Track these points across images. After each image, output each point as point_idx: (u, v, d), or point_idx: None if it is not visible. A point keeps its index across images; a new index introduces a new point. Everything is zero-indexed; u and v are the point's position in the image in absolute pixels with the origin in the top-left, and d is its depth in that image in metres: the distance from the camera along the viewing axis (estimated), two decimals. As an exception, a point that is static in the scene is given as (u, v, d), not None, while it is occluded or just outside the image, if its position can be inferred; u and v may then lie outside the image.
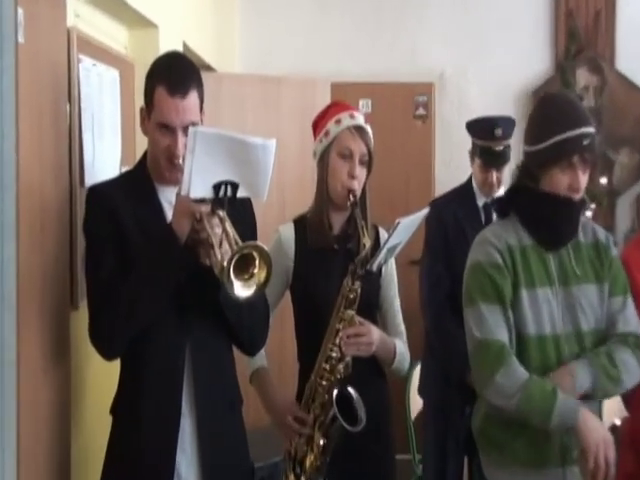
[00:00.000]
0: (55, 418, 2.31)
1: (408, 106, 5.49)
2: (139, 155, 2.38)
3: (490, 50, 5.47)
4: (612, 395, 2.39)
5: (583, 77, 5.41)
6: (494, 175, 3.46)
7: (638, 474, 2.46)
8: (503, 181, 3.49)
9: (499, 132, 3.43)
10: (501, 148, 3.44)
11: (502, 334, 2.29)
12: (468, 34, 5.49)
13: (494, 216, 3.33)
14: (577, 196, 2.32)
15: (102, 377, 2.62)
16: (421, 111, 5.48)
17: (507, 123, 3.48)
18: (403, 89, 5.45)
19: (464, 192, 3.59)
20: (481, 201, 3.53)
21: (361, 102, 5.37)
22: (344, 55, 5.47)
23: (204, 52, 4.46)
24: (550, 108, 2.40)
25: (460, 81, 5.44)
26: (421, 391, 3.70)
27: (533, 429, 2.23)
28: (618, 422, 2.44)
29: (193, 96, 2.18)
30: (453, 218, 3.37)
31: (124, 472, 2.20)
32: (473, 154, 3.55)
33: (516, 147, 3.16)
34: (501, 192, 3.45)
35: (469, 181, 3.59)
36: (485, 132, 3.46)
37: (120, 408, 2.25)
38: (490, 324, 2.29)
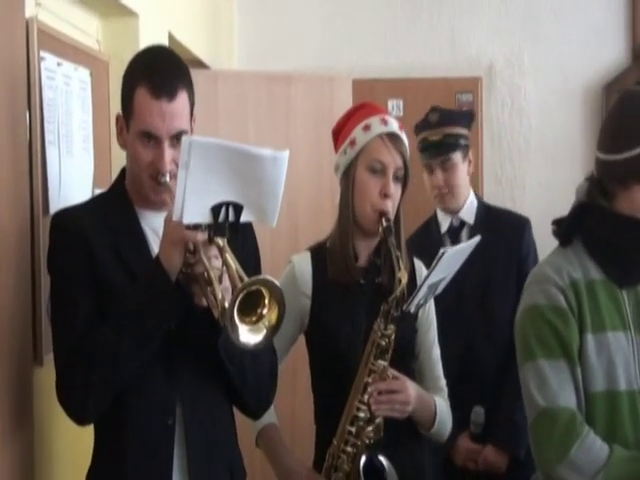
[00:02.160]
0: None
1: (449, 106, 5.48)
2: (116, 173, 2.39)
3: (550, 36, 5.53)
4: None
5: (666, 69, 5.44)
6: (440, 176, 3.46)
7: None
8: (461, 188, 3.50)
9: (434, 117, 3.47)
10: (439, 137, 3.46)
11: (570, 398, 2.28)
12: (522, 17, 5.54)
13: (463, 239, 3.39)
14: None
15: (72, 445, 2.64)
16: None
17: (450, 111, 3.55)
18: (442, 86, 5.49)
19: (429, 226, 3.61)
20: (445, 226, 3.54)
21: (390, 103, 5.40)
22: (368, 46, 5.54)
23: (194, 45, 4.48)
24: (632, 111, 2.38)
25: (514, 75, 5.47)
26: None
27: None
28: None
29: (182, 99, 2.20)
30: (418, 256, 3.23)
31: None
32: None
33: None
34: (471, 201, 3.53)
35: (434, 212, 3.62)
36: (421, 122, 3.52)
37: None
38: (554, 385, 2.28)
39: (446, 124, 3.49)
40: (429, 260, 3.24)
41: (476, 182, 5.39)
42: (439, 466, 3.31)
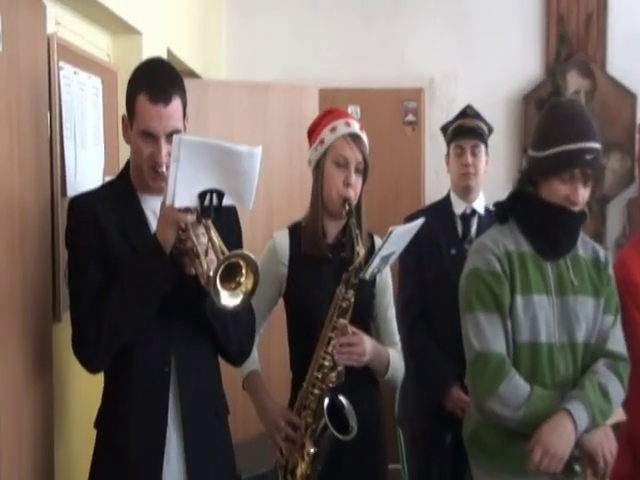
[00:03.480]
0: (38, 433, 2.30)
1: (397, 112, 5.48)
2: (123, 164, 2.37)
3: (480, 55, 5.49)
4: None
5: (574, 81, 5.42)
6: (469, 158, 3.37)
7: (634, 475, 2.51)
8: (481, 174, 3.42)
9: (471, 111, 3.43)
10: (474, 125, 3.41)
11: (501, 345, 2.32)
12: (458, 39, 5.51)
13: (472, 228, 3.37)
14: (575, 208, 2.34)
15: (86, 390, 2.62)
16: (410, 117, 5.48)
17: (476, 111, 3.46)
18: (392, 95, 5.45)
19: (441, 205, 3.52)
20: (459, 210, 3.44)
21: (350, 108, 5.35)
22: (332, 61, 5.48)
23: (189, 59, 4.45)
24: (557, 116, 2.41)
25: (450, 86, 5.44)
26: (400, 422, 3.64)
27: (525, 437, 2.24)
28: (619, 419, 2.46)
29: (176, 103, 2.18)
30: (427, 232, 3.13)
31: None
32: (448, 151, 3.49)
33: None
34: (481, 198, 3.46)
35: (447, 195, 3.53)
36: (457, 115, 3.47)
37: (105, 421, 2.25)
38: (488, 334, 2.32)
39: (479, 118, 3.45)
40: (444, 234, 3.37)
41: (419, 173, 5.41)
42: (430, 409, 3.31)
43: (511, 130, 5.40)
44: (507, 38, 5.49)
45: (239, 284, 1.98)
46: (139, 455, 2.16)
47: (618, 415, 2.45)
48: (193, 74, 4.65)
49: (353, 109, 5.37)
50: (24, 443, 2.20)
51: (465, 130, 3.40)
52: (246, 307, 2.08)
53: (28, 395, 2.23)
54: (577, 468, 2.26)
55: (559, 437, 2.21)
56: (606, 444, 2.28)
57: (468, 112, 3.44)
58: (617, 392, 2.34)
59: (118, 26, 3.33)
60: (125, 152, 2.39)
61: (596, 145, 2.32)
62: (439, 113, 5.34)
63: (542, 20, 5.52)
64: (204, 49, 4.99)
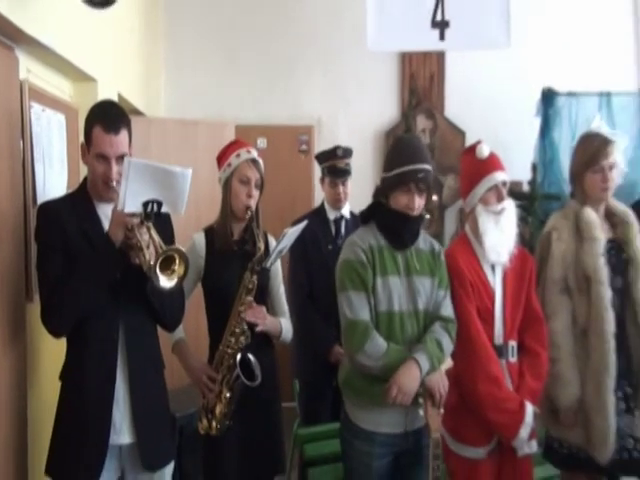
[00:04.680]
0: (14, 386, 2.26)
1: (294, 143, 5.51)
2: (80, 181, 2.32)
3: (355, 102, 5.53)
4: None
5: (421, 122, 5.53)
6: (340, 188, 3.41)
7: (459, 405, 2.52)
8: (348, 195, 3.44)
9: (340, 152, 3.43)
10: (343, 165, 3.42)
11: (366, 314, 2.33)
12: (338, 90, 5.54)
13: (342, 229, 3.42)
14: (413, 213, 2.38)
15: (54, 352, 2.55)
16: (304, 147, 5.50)
17: (345, 148, 3.46)
18: (290, 130, 5.46)
19: (318, 212, 3.53)
20: (332, 216, 3.46)
21: (259, 140, 5.36)
22: (246, 103, 5.44)
23: (135, 100, 4.36)
24: (399, 146, 2.45)
25: (332, 125, 5.48)
26: (295, 371, 3.61)
27: (384, 380, 2.27)
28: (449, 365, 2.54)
29: (124, 134, 2.17)
30: (310, 232, 3.21)
31: (70, 425, 2.15)
32: (323, 177, 3.49)
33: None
34: (347, 207, 3.48)
35: (322, 204, 3.53)
36: (330, 154, 3.46)
37: (66, 374, 2.20)
38: (358, 306, 2.33)
39: (346, 156, 3.45)
40: (322, 233, 3.40)
41: (310, 188, 5.44)
42: (317, 362, 3.30)
43: (376, 157, 5.44)
44: (374, 90, 5.55)
45: (174, 271, 1.98)
46: (94, 401, 2.13)
47: (448, 362, 2.51)
48: (138, 112, 4.56)
49: (261, 140, 5.38)
50: (2, 395, 2.15)
51: (337, 170, 3.42)
52: (177, 289, 2.08)
53: (5, 359, 2.19)
54: (421, 400, 2.29)
55: (409, 378, 2.25)
56: (441, 383, 2.32)
57: (338, 153, 3.44)
58: (448, 345, 2.39)
59: (77, 74, 3.24)
60: (83, 172, 2.35)
61: (426, 166, 2.35)
62: (325, 144, 5.35)
63: (398, 77, 5.59)
64: (147, 92, 4.89)
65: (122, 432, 2.17)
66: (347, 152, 3.46)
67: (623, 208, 2.78)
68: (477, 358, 2.47)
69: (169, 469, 2.31)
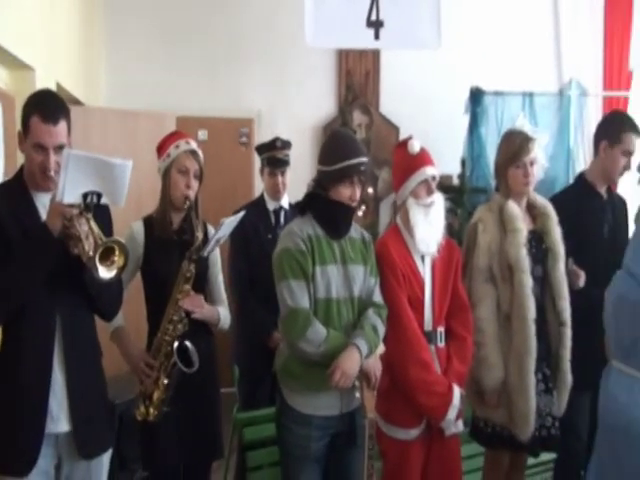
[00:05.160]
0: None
1: (234, 135, 5.46)
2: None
3: (294, 96, 5.52)
4: None
5: (357, 117, 5.57)
6: (279, 179, 3.39)
7: (391, 389, 2.55)
8: (287, 186, 3.42)
9: (279, 143, 3.41)
10: (282, 156, 3.40)
11: (307, 302, 2.33)
12: (278, 84, 5.52)
13: (281, 219, 3.39)
14: (354, 204, 2.40)
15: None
16: (244, 139, 5.46)
17: (284, 140, 3.44)
18: (231, 122, 5.40)
19: (257, 202, 3.50)
20: (271, 206, 3.44)
21: (200, 132, 5.29)
22: (187, 95, 5.34)
23: (74, 89, 4.23)
24: (338, 140, 2.45)
25: (271, 118, 5.44)
26: (234, 358, 3.58)
27: (323, 366, 2.28)
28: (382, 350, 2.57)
29: (62, 124, 2.09)
30: (250, 222, 3.23)
31: (6, 414, 2.08)
32: (262, 167, 3.46)
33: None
34: (286, 197, 3.45)
35: (262, 195, 3.50)
36: (269, 145, 3.43)
37: (2, 364, 2.11)
38: (298, 295, 2.32)
39: (285, 148, 3.41)
40: (262, 223, 3.35)
41: (250, 179, 5.40)
42: (256, 348, 3.27)
43: (314, 151, 5.33)
44: (312, 85, 5.56)
45: (113, 262, 1.94)
46: (29, 390, 2.06)
47: (381, 347, 2.52)
48: (77, 101, 4.42)
49: (202, 132, 5.30)
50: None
51: (276, 161, 3.39)
52: (115, 279, 2.03)
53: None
54: (357, 383, 2.31)
55: (351, 363, 2.27)
56: (376, 366, 2.36)
57: (277, 145, 3.41)
58: (382, 330, 2.42)
59: (14, 63, 3.11)
60: (20, 159, 2.26)
61: (365, 159, 2.38)
62: (264, 136, 5.31)
63: (335, 73, 5.63)
64: (87, 82, 4.74)
65: (59, 420, 2.11)
66: (286, 144, 3.45)
67: (543, 201, 2.86)
68: (408, 344, 2.50)
69: (107, 456, 2.26)
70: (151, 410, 2.49)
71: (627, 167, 3.06)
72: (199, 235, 2.50)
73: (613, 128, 3.05)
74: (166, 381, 2.48)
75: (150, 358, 2.52)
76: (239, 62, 5.47)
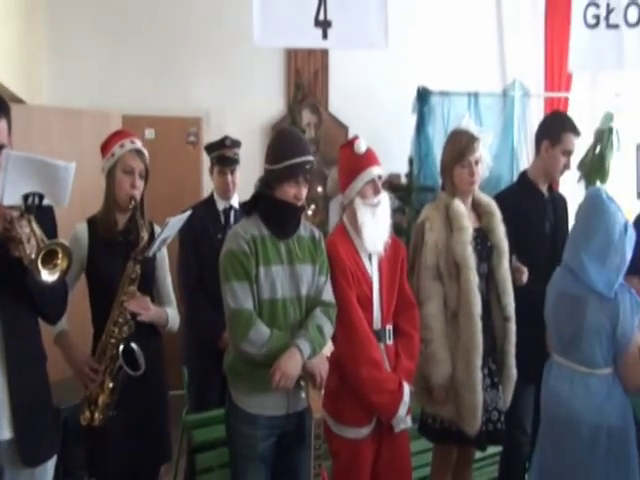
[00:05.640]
0: None
1: (182, 134, 5.38)
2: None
3: (242, 96, 5.48)
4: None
5: (306, 116, 5.57)
6: (229, 178, 3.37)
7: (340, 389, 2.55)
8: (237, 185, 3.40)
9: (229, 142, 3.39)
10: (232, 154, 3.38)
11: (250, 303, 2.31)
12: (227, 83, 5.46)
13: (231, 219, 3.37)
14: (299, 203, 2.39)
15: None
16: (192, 138, 5.39)
17: (233, 139, 3.42)
18: (178, 121, 5.32)
19: (207, 202, 3.47)
20: (221, 206, 3.41)
21: (147, 131, 5.19)
22: (134, 93, 5.22)
23: (15, 87, 4.08)
24: (284, 139, 2.43)
25: (220, 117, 5.39)
26: (185, 361, 3.54)
27: (269, 366, 2.26)
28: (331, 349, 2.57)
29: (2, 123, 2.00)
30: (199, 221, 3.22)
31: None
32: (212, 167, 3.43)
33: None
34: (236, 197, 3.42)
35: (212, 195, 3.48)
36: (219, 144, 3.41)
37: None
38: (241, 296, 2.30)
39: (235, 146, 3.39)
40: (211, 223, 3.31)
41: (198, 179, 5.32)
42: (206, 349, 3.23)
43: (263, 150, 5.15)
44: (260, 84, 5.53)
45: (56, 265, 1.89)
46: None
47: (330, 347, 2.52)
48: (18, 100, 4.28)
49: (149, 131, 5.21)
50: None
51: (226, 159, 3.37)
52: (61, 281, 1.98)
53: None
54: (302, 383, 2.30)
55: (291, 364, 2.25)
56: (322, 366, 2.34)
57: (227, 143, 3.39)
58: (329, 330, 2.41)
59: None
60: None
61: (311, 158, 2.38)
62: (213, 136, 5.26)
63: (284, 72, 5.61)
64: (28, 79, 4.59)
65: (0, 427, 2.04)
66: (235, 143, 3.43)
67: (487, 199, 2.92)
68: (359, 343, 2.51)
69: (51, 463, 2.20)
70: (96, 415, 2.45)
71: (567, 166, 3.15)
72: (144, 235, 2.46)
73: (554, 128, 3.13)
74: (112, 385, 2.44)
75: (94, 362, 2.47)
76: (187, 60, 5.40)
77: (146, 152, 2.61)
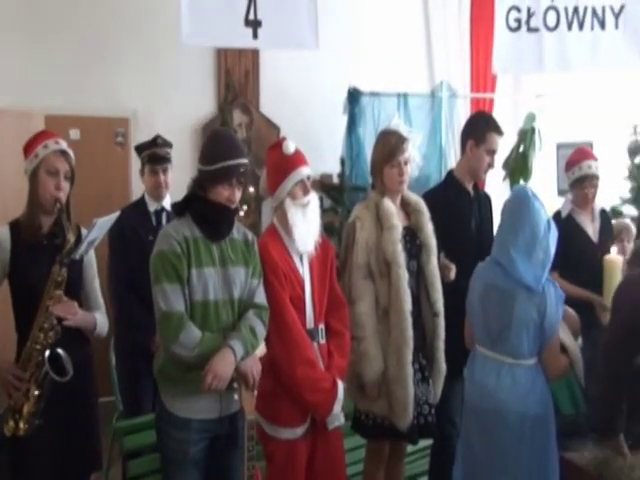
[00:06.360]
0: None
1: (110, 135, 5.27)
2: None
3: (172, 96, 5.40)
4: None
5: (237, 117, 5.55)
6: (162, 177, 3.33)
7: (274, 390, 2.55)
8: (170, 185, 3.36)
9: (160, 140, 3.36)
10: (164, 153, 3.34)
11: (181, 306, 2.28)
12: (156, 82, 5.38)
13: (163, 221, 3.33)
14: (233, 205, 2.38)
15: None
16: (120, 139, 5.29)
17: (164, 139, 3.39)
18: (105, 122, 5.21)
19: (138, 203, 3.42)
20: (152, 207, 3.36)
21: (71, 131, 5.06)
22: (57, 92, 5.07)
23: None
24: (218, 140, 2.41)
25: (149, 117, 5.29)
26: (117, 367, 3.47)
27: (200, 369, 2.24)
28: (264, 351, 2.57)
29: None
30: (129, 223, 3.17)
31: None
32: (143, 167, 3.38)
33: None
34: (168, 198, 3.38)
35: (142, 196, 3.42)
36: (150, 143, 3.37)
37: None
38: (172, 298, 2.27)
39: (166, 145, 3.35)
40: (143, 225, 3.24)
41: (127, 180, 5.22)
42: (139, 353, 3.15)
43: (194, 151, 5.25)
44: (191, 84, 5.47)
45: None
46: None
47: (262, 348, 2.51)
48: None
49: (74, 132, 5.08)
50: None
51: (157, 158, 3.32)
52: None
53: None
54: (235, 385, 2.29)
55: (224, 365, 2.23)
56: (255, 367, 2.33)
57: (158, 142, 3.36)
58: (261, 331, 2.40)
59: None
60: None
61: (245, 160, 2.37)
62: (142, 136, 5.16)
63: (215, 72, 5.58)
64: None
65: None
66: (167, 142, 3.40)
67: (416, 198, 2.98)
68: (293, 344, 2.51)
69: (-28, 476, 2.13)
70: (21, 424, 2.36)
71: (491, 165, 3.25)
72: (70, 238, 2.39)
73: (478, 128, 3.23)
74: (37, 392, 2.36)
75: (18, 370, 2.39)
76: (113, 59, 5.28)
77: (71, 153, 2.54)
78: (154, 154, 3.33)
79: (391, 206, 2.85)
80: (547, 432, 2.54)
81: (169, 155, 3.38)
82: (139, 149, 3.43)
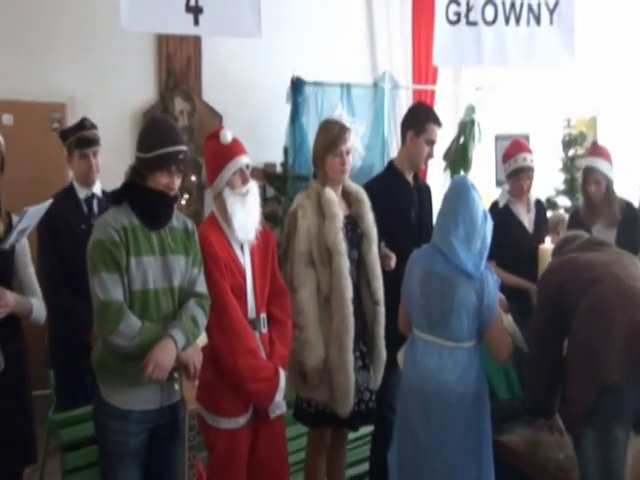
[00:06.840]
0: None
1: (45, 121, 5.10)
2: None
3: (111, 81, 5.27)
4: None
5: (179, 104, 5.47)
6: (92, 160, 3.21)
7: (215, 379, 2.54)
8: (100, 168, 3.25)
9: (87, 123, 3.25)
10: (92, 135, 3.23)
11: (120, 295, 2.24)
12: (94, 67, 5.23)
13: (95, 208, 3.23)
14: (172, 193, 2.35)
15: None
16: (56, 125, 5.11)
17: (91, 121, 3.27)
18: (40, 107, 5.04)
19: (67, 191, 3.28)
20: (82, 194, 3.25)
21: (3, 116, 4.89)
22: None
23: None
24: (156, 127, 2.38)
25: (87, 103, 5.10)
26: (52, 360, 3.34)
27: (140, 359, 2.21)
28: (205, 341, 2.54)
29: None
30: (59, 212, 3.04)
31: None
32: (71, 153, 3.24)
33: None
34: (98, 184, 3.29)
35: (71, 183, 3.30)
36: (77, 126, 3.26)
37: None
38: (110, 288, 2.23)
39: (94, 128, 3.23)
40: (73, 213, 3.13)
41: (63, 167, 5.05)
42: (75, 345, 3.07)
43: (133, 138, 4.98)
44: (130, 70, 5.35)
45: None
46: None
47: (203, 338, 2.49)
48: None
49: (6, 117, 4.91)
50: None
51: (87, 140, 3.20)
52: None
53: None
54: (176, 375, 2.27)
55: (165, 354, 2.21)
56: (196, 357, 2.31)
57: (86, 124, 3.24)
58: (202, 320, 2.39)
59: None
60: None
61: (184, 147, 2.34)
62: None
63: (155, 58, 5.48)
64: None
65: None
66: (93, 124, 3.27)
67: (357, 187, 3.01)
68: (235, 334, 2.50)
69: None
70: (-50, 419, 2.29)
71: (431, 155, 3.30)
72: (0, 227, 2.31)
73: (418, 119, 3.28)
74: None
75: None
76: (49, 41, 5.11)
77: (1, 139, 2.45)
78: (83, 137, 3.21)
79: (332, 195, 2.87)
80: (483, 409, 2.64)
81: (97, 137, 3.26)
82: (65, 134, 3.29)
